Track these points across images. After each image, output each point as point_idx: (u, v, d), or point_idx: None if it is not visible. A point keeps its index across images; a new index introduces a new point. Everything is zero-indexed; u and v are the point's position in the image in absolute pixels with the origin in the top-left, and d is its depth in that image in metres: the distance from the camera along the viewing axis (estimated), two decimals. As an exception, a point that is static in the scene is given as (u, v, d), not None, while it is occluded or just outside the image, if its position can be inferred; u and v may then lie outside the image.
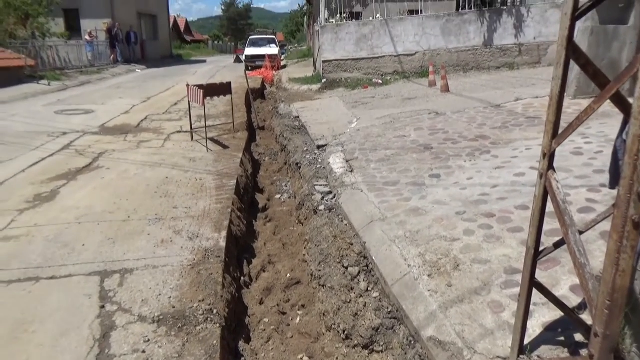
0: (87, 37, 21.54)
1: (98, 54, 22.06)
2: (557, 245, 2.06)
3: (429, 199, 4.38)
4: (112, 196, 5.37)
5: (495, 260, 3.15)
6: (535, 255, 2.09)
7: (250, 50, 23.48)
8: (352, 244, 4.09)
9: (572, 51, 1.76)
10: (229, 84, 8.14)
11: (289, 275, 4.50)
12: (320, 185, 5.58)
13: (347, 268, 3.86)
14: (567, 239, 1.83)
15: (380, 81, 13.24)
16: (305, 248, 4.75)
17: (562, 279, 2.81)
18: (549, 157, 1.91)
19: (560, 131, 1.86)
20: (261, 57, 21.56)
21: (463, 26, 13.43)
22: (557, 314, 2.47)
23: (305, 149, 7.22)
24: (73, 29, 23.35)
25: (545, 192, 1.95)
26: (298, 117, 9.50)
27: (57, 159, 6.86)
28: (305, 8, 39.12)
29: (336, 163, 6.00)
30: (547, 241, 2.79)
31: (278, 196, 6.71)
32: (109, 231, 4.46)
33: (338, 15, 14.64)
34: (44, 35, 19.05)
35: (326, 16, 14.65)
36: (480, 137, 6.12)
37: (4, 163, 6.59)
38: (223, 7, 72.42)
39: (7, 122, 9.33)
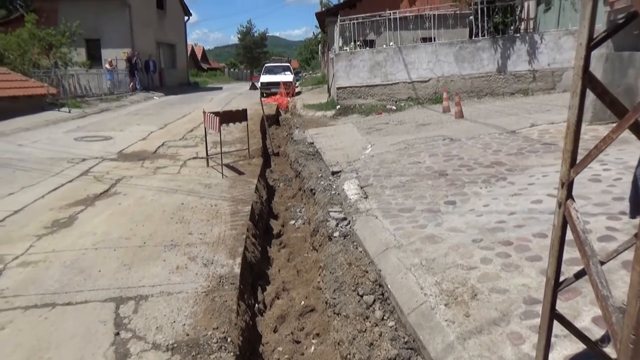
0: (107, 66, 22.17)
1: (117, 82, 22.63)
2: (578, 276, 2.02)
3: (445, 226, 4.34)
4: (128, 222, 5.42)
5: (514, 290, 3.08)
6: (556, 285, 2.04)
7: (265, 78, 23.89)
8: (367, 272, 4.05)
9: (588, 80, 1.76)
10: (245, 110, 8.26)
11: (303, 302, 4.46)
12: (335, 212, 5.57)
13: (362, 296, 3.81)
14: (588, 270, 1.80)
15: (394, 107, 13.32)
16: (319, 275, 4.71)
17: (583, 310, 2.74)
18: (568, 186, 1.89)
19: (578, 159, 1.85)
20: (276, 84, 21.92)
21: (476, 53, 13.52)
22: (579, 346, 2.41)
23: (319, 175, 7.24)
24: (94, 58, 24.06)
25: (565, 222, 1.92)
26: (312, 143, 9.57)
27: (75, 185, 6.98)
28: (320, 36, 39.84)
29: (350, 189, 6.00)
30: (567, 270, 2.74)
31: (292, 222, 6.70)
32: (125, 257, 4.49)
33: (352, 43, 14.87)
34: (66, 65, 19.66)
35: (340, 44, 14.90)
36: (496, 164, 6.08)
37: (25, 189, 6.73)
38: (239, 36, 74.20)
39: (29, 149, 9.56)
